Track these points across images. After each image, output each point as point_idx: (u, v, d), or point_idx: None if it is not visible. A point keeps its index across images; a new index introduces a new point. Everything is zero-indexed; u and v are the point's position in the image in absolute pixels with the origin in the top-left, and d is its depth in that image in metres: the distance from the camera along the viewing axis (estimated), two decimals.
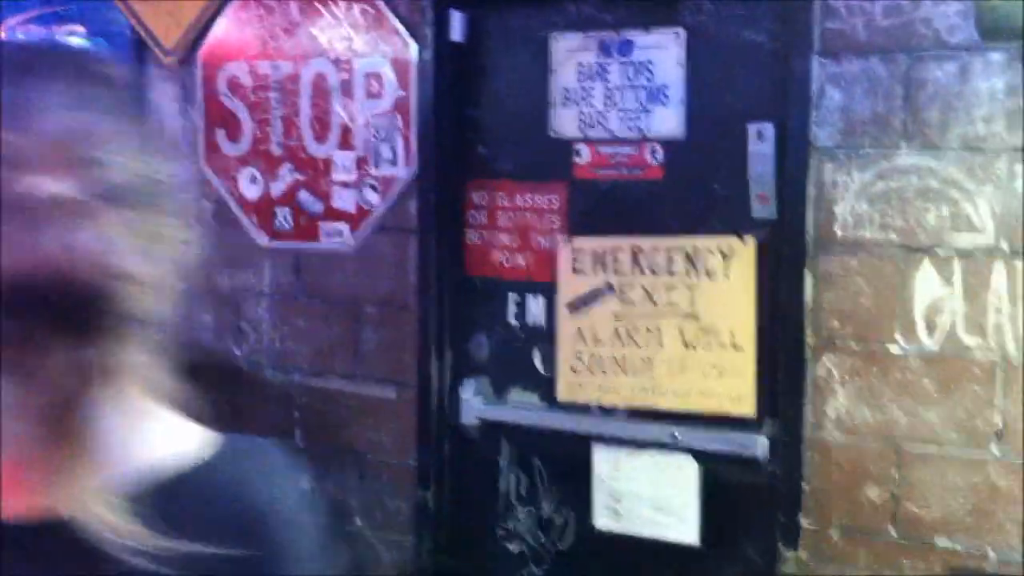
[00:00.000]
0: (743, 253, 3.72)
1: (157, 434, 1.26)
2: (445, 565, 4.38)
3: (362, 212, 4.41)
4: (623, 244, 3.94)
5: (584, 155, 4.02)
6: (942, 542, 3.42)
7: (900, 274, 3.43)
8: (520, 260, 4.19)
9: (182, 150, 4.71)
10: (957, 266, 3.34)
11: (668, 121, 3.86)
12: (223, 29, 4.68)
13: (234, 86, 4.67)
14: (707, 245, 3.78)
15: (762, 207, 3.67)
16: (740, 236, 3.72)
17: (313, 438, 4.62)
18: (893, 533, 3.49)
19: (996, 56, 3.25)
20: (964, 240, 3.33)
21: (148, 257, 1.14)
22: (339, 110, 4.42)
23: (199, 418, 1.35)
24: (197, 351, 4.76)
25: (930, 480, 3.43)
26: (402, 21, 4.26)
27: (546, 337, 4.15)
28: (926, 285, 3.39)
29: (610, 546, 4.06)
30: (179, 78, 4.82)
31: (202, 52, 4.73)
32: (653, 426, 3.92)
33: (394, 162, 4.32)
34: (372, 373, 4.46)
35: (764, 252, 3.70)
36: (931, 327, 3.39)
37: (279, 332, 4.68)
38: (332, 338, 4.55)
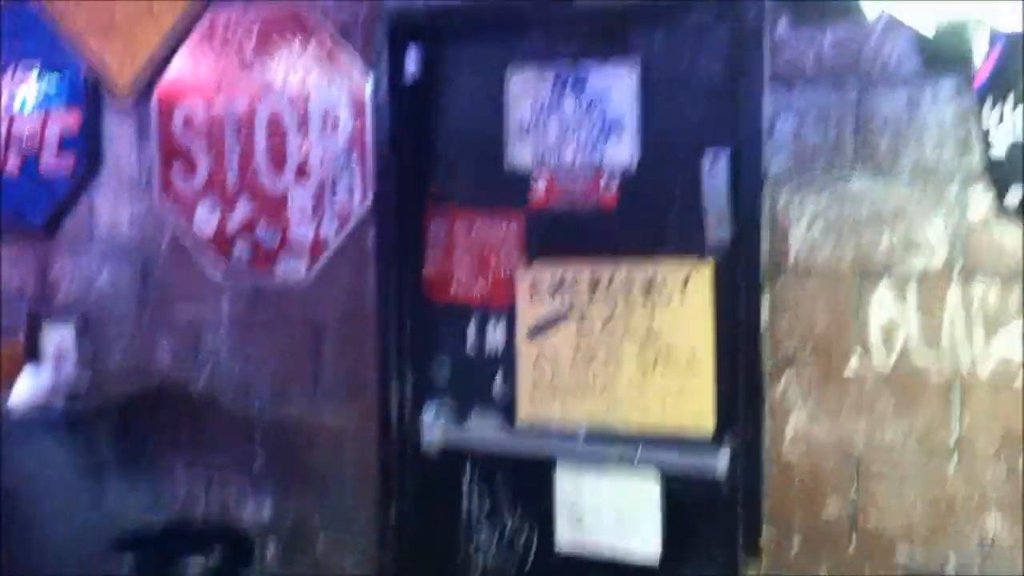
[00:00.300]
0: (700, 277, 3.80)
1: None
2: None
3: (319, 244, 4.45)
4: (581, 269, 4.02)
5: (540, 186, 4.09)
6: (901, 554, 3.50)
7: (855, 296, 3.51)
8: (479, 286, 4.25)
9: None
10: (911, 288, 3.43)
11: (623, 151, 3.94)
12: (179, 66, 4.71)
13: (190, 122, 4.70)
14: (664, 270, 3.86)
15: (718, 233, 3.75)
16: (696, 261, 3.81)
17: (275, 465, 4.66)
18: (853, 546, 3.57)
19: (945, 84, 3.35)
20: (917, 263, 3.41)
21: None
22: (295, 145, 4.47)
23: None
24: (157, 382, 4.80)
25: (888, 494, 3.50)
26: (357, 56, 4.32)
27: (506, 361, 4.22)
28: (881, 307, 3.48)
29: (573, 564, 4.12)
30: (135, 114, 4.85)
31: (158, 89, 4.76)
32: (614, 446, 3.99)
33: (351, 195, 4.37)
34: (332, 399, 4.51)
35: (721, 276, 3.78)
36: (887, 346, 3.47)
37: (238, 362, 4.71)
38: (292, 366, 4.59)
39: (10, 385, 4.61)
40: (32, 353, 5.04)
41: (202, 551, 4.24)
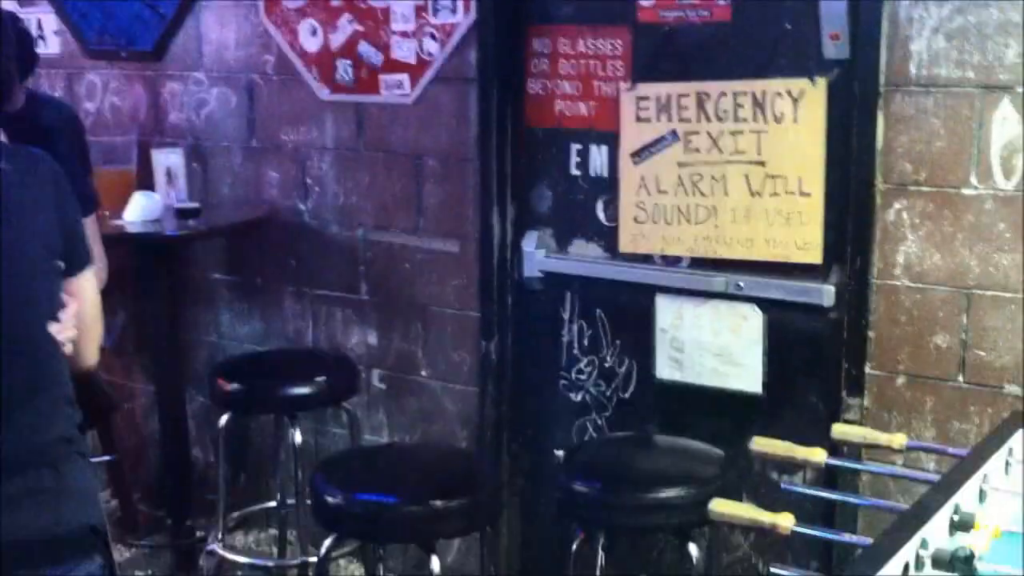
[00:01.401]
0: (813, 95, 3.61)
1: None
2: (508, 414, 4.37)
3: (422, 63, 4.34)
4: (688, 89, 3.84)
5: None
6: (1010, 388, 3.35)
7: (977, 114, 3.31)
8: (582, 109, 4.10)
9: None
10: None
11: None
12: None
13: None
14: (776, 88, 3.67)
15: (834, 46, 3.55)
16: (810, 78, 3.61)
17: (378, 292, 4.62)
18: (960, 380, 3.43)
19: None
20: None
21: None
22: None
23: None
24: (266, 207, 4.77)
25: (1000, 326, 3.35)
26: None
27: (609, 187, 4.09)
28: (1004, 124, 3.27)
29: (672, 394, 4.03)
30: None
31: None
32: (717, 275, 3.86)
33: (453, 9, 4.23)
34: (435, 227, 4.44)
35: (835, 94, 3.58)
36: (1007, 168, 3.28)
37: (343, 187, 4.66)
38: (395, 192, 4.52)
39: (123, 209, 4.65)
40: (144, 178, 5.04)
41: (307, 379, 4.18)
